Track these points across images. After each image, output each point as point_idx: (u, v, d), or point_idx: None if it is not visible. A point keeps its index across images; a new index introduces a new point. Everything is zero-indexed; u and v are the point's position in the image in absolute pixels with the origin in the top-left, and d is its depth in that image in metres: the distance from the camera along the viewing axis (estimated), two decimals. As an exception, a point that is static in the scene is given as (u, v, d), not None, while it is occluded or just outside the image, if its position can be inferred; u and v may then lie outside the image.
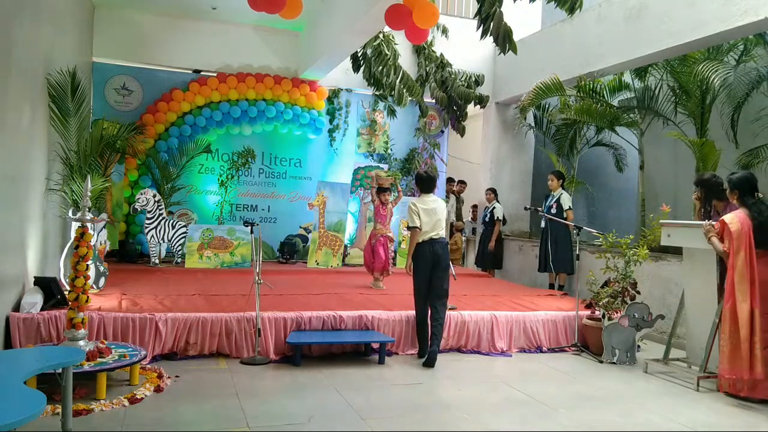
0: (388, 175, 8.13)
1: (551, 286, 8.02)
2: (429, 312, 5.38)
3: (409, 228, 5.50)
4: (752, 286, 4.52)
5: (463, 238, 10.96)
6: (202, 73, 9.48)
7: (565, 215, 7.70)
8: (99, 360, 4.03)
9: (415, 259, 5.41)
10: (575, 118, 8.58)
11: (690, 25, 6.48)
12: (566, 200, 7.88)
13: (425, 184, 5.61)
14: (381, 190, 7.29)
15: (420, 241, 5.38)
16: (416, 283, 5.43)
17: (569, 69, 8.31)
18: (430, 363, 5.14)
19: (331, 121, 10.21)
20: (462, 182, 11.25)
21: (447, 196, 10.72)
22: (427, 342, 5.37)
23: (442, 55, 10.03)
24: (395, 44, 9.33)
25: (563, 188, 8.05)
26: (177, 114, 9.23)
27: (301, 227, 9.92)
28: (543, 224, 8.02)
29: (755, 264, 4.54)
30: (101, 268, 5.94)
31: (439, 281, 5.34)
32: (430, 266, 5.34)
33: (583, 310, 6.13)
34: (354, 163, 10.13)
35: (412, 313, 5.53)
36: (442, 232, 5.44)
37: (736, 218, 4.64)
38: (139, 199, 8.09)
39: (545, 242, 7.95)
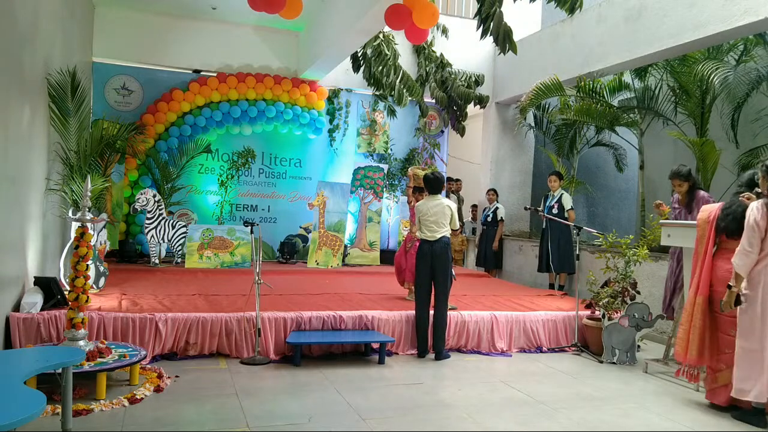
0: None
1: (551, 286, 8.02)
2: (431, 312, 5.46)
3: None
4: (701, 274, 4.43)
5: (464, 235, 10.97)
6: (202, 73, 9.49)
7: (566, 215, 7.71)
8: (99, 360, 4.03)
9: (416, 259, 5.56)
10: (575, 118, 8.58)
11: (690, 25, 6.48)
12: (568, 200, 7.88)
13: (431, 185, 5.66)
14: (419, 189, 6.44)
15: (421, 240, 5.54)
16: (416, 282, 5.55)
17: (569, 69, 8.31)
18: (438, 358, 5.37)
19: (331, 121, 10.22)
20: (457, 180, 11.25)
21: (447, 196, 10.71)
22: (426, 343, 5.44)
23: (442, 55, 10.04)
24: (395, 44, 9.33)
25: (562, 188, 8.06)
26: (177, 114, 9.23)
27: (301, 227, 9.93)
28: (545, 224, 8.01)
29: (709, 252, 4.43)
30: (101, 268, 5.94)
31: (440, 281, 5.43)
32: (429, 265, 5.44)
33: (583, 310, 6.13)
34: (354, 163, 10.13)
35: (412, 313, 5.54)
36: (443, 231, 5.50)
37: (709, 207, 4.57)
38: (139, 199, 8.10)
39: (545, 242, 7.95)
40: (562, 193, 7.92)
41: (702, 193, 5.57)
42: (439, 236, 5.47)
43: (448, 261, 5.49)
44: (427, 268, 5.46)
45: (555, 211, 7.79)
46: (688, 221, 5.39)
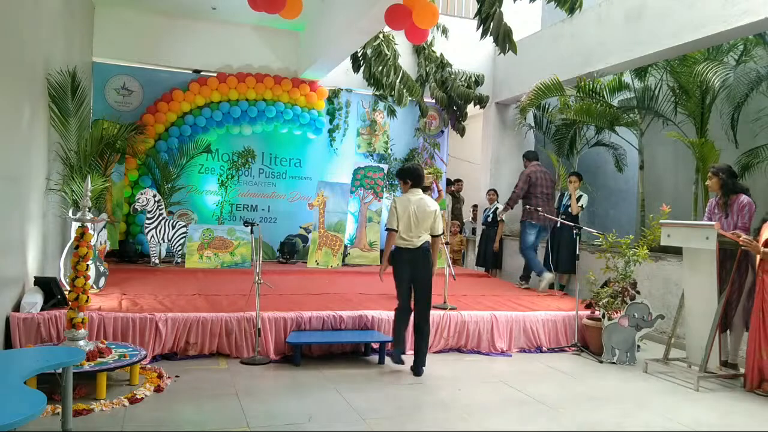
0: (429, 173, 7.70)
1: (551, 286, 8.00)
2: (412, 316, 4.96)
3: (387, 229, 4.93)
4: None
5: (464, 236, 10.97)
6: (202, 73, 9.48)
7: (570, 210, 7.61)
8: (99, 360, 4.03)
9: (393, 264, 4.93)
10: (575, 118, 8.58)
11: (690, 25, 6.47)
12: (585, 201, 7.69)
13: (411, 177, 5.02)
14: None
15: (398, 246, 4.89)
16: (397, 284, 4.95)
17: (569, 69, 8.30)
18: (416, 373, 4.86)
19: (331, 121, 10.21)
20: (458, 181, 11.26)
21: (449, 195, 10.73)
22: (403, 341, 5.05)
23: (442, 55, 10.03)
24: (395, 44, 9.33)
25: (563, 189, 8.04)
26: (177, 114, 9.23)
27: (301, 227, 9.92)
28: (558, 224, 7.85)
29: None
30: (101, 268, 5.94)
31: (420, 290, 4.88)
32: (410, 271, 4.87)
33: (583, 310, 6.13)
34: (354, 163, 10.13)
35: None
36: (426, 237, 4.89)
37: None
38: (139, 199, 8.09)
39: (547, 242, 7.93)
40: (581, 195, 7.75)
41: (744, 198, 5.07)
42: (417, 244, 4.84)
43: (430, 267, 4.92)
44: (407, 272, 4.87)
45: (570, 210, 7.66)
46: (689, 222, 5.40)
